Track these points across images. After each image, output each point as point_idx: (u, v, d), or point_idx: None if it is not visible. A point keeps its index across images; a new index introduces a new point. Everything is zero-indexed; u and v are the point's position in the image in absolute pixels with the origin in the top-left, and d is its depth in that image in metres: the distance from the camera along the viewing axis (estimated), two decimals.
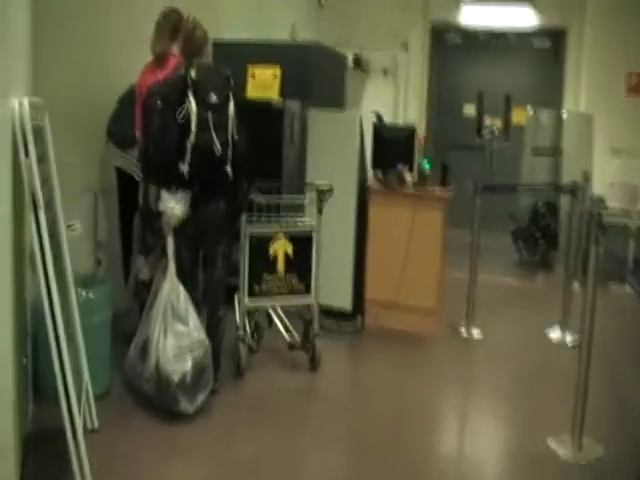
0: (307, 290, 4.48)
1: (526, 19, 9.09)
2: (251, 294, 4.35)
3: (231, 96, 3.86)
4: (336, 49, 7.95)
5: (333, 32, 9.34)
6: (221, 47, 6.10)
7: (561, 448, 3.65)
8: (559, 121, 8.19)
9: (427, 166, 5.33)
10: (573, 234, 5.59)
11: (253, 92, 5.96)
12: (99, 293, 3.86)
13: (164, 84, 3.94)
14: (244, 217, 4.25)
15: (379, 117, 6.00)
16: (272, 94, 5.87)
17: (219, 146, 3.77)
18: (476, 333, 5.48)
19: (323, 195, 4.43)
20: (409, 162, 5.34)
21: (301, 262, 4.45)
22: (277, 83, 5.94)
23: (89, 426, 3.49)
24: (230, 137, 3.84)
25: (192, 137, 3.70)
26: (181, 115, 3.69)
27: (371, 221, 5.41)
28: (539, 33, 9.26)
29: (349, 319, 5.43)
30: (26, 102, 2.78)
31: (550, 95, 9.18)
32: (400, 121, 9.25)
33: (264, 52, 6.10)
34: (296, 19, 8.45)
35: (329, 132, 5.45)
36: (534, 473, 3.51)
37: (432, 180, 5.42)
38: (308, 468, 3.49)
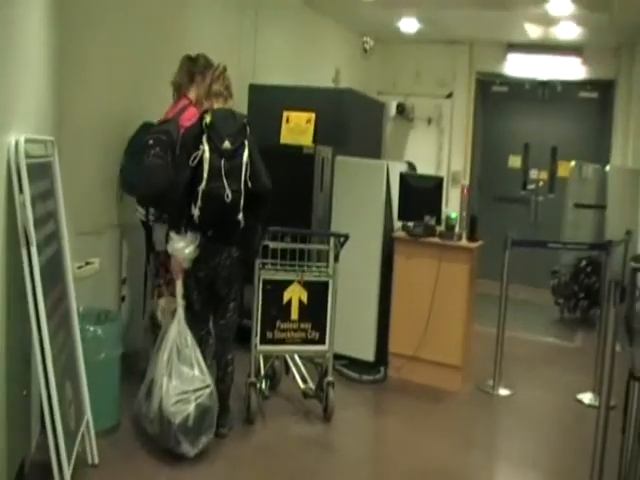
0: (321, 338, 4.42)
1: (573, 70, 8.99)
2: (264, 341, 4.31)
3: (246, 143, 3.84)
4: (374, 96, 8.04)
5: (378, 79, 9.46)
6: (259, 90, 6.28)
7: None
8: (604, 175, 8.03)
9: (454, 216, 5.25)
10: None
11: (286, 137, 6.02)
12: (109, 330, 3.88)
13: (166, 125, 4.21)
14: (258, 263, 4.23)
15: (411, 166, 5.97)
16: (305, 140, 5.90)
17: (230, 193, 3.74)
18: (503, 392, 5.30)
19: (339, 242, 4.39)
20: (436, 213, 5.27)
21: (316, 310, 4.39)
22: (311, 128, 5.98)
23: (89, 461, 3.53)
24: (243, 184, 3.82)
25: (203, 183, 3.72)
26: (194, 161, 3.74)
27: (396, 271, 5.33)
28: (587, 83, 9.12)
29: (371, 370, 5.33)
30: (22, 139, 2.83)
31: (597, 147, 9.01)
32: (444, 171, 9.20)
33: (300, 97, 6.18)
34: (340, 65, 8.55)
35: (356, 180, 5.43)
36: None
37: (462, 233, 5.34)
38: None
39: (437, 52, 9.40)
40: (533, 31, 8.22)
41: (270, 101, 6.12)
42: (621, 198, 7.45)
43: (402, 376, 5.25)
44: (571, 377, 5.77)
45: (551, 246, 6.10)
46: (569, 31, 8.02)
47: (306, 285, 4.36)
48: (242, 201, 3.81)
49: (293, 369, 4.66)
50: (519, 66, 9.23)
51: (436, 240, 5.23)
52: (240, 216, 3.82)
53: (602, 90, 9.13)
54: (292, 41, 7.47)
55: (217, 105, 3.95)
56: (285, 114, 6.05)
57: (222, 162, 3.76)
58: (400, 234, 5.37)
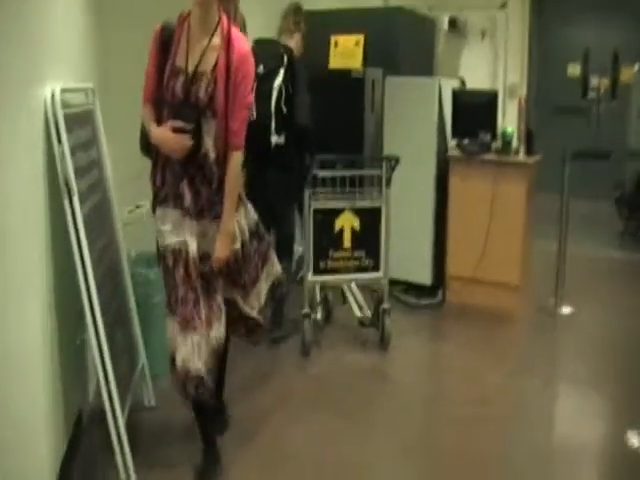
0: (376, 266, 4.23)
1: None
2: (317, 271, 4.15)
3: (281, 71, 4.02)
4: (425, 13, 7.56)
5: None
6: (306, 17, 5.93)
7: None
8: None
9: (510, 132, 4.91)
10: None
11: (335, 62, 5.73)
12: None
13: None
14: (307, 192, 4.04)
15: (462, 82, 5.61)
16: (354, 63, 5.60)
17: (254, 113, 3.75)
18: (564, 311, 5.04)
19: (389, 166, 4.14)
20: (492, 129, 4.93)
21: (369, 237, 4.19)
22: (359, 51, 5.67)
23: (146, 403, 3.50)
24: (273, 108, 3.97)
25: None
26: None
27: (452, 191, 5.06)
28: None
29: (429, 294, 5.15)
30: (58, 89, 2.66)
31: None
32: (500, 85, 8.69)
33: (349, 20, 5.86)
34: None
35: (407, 100, 5.13)
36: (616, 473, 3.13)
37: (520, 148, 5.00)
38: (370, 469, 3.12)
39: None
40: None
41: (318, 27, 5.72)
42: None
43: (460, 299, 5.04)
44: (636, 294, 5.46)
45: (615, 157, 5.70)
46: None
47: (358, 212, 4.15)
48: (273, 124, 3.98)
49: (350, 297, 4.52)
50: None
51: (492, 157, 4.92)
52: (274, 139, 3.99)
53: None
54: None
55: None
56: (333, 38, 5.74)
57: (255, 85, 3.82)
58: (454, 153, 5.07)
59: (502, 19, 8.82)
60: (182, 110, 2.69)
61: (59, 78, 2.83)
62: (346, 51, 5.75)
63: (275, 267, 3.16)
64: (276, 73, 4.03)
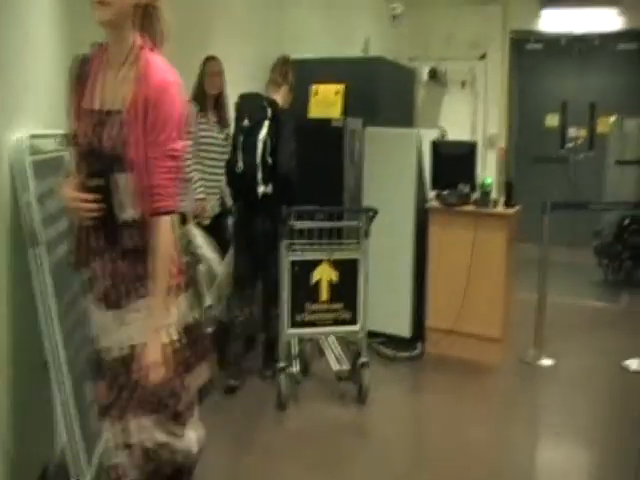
0: (354, 318, 4.14)
1: (610, 22, 8.41)
2: (293, 324, 4.05)
3: (266, 123, 4.13)
4: (405, 63, 7.62)
5: (409, 45, 8.98)
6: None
7: None
8: None
9: (489, 182, 4.88)
10: None
11: (315, 111, 5.68)
12: None
13: None
14: (284, 244, 3.97)
15: (443, 132, 5.61)
16: (334, 112, 5.56)
17: (241, 165, 4.08)
18: (545, 362, 4.96)
19: (368, 217, 4.09)
20: (471, 180, 4.91)
21: (347, 289, 4.11)
22: (340, 100, 5.63)
23: None
24: (260, 159, 4.08)
25: (228, 155, 4.25)
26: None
27: (431, 242, 5.01)
28: (624, 35, 8.53)
29: (408, 346, 5.05)
30: (25, 136, 2.60)
31: (638, 101, 8.45)
32: (479, 135, 8.75)
33: (330, 69, 5.84)
34: (370, 34, 8.12)
35: (386, 150, 5.10)
36: None
37: (499, 199, 4.99)
38: None
39: (469, 13, 8.87)
40: None
41: (299, 75, 5.78)
42: None
43: (440, 351, 4.95)
44: (616, 342, 5.41)
45: (593, 207, 5.70)
46: None
47: (336, 264, 4.08)
48: (259, 175, 4.07)
49: (327, 350, 4.42)
50: (554, 21, 8.68)
51: (471, 208, 4.89)
52: (261, 189, 4.08)
53: None
54: (320, 13, 7.08)
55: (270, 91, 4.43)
56: (314, 87, 5.72)
57: (241, 137, 4.14)
58: (434, 204, 5.03)
59: (481, 70, 8.94)
60: (89, 161, 2.14)
61: (28, 124, 2.76)
62: (326, 100, 5.73)
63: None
64: (260, 126, 4.13)
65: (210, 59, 4.55)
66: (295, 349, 4.27)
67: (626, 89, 8.67)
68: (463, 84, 9.05)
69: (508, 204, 4.92)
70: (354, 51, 7.33)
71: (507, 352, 5.00)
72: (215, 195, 4.55)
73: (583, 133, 8.54)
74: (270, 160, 4.11)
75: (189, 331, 2.25)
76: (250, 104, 4.22)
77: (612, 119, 7.41)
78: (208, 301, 4.10)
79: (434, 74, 8.69)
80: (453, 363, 4.85)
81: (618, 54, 8.74)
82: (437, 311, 4.99)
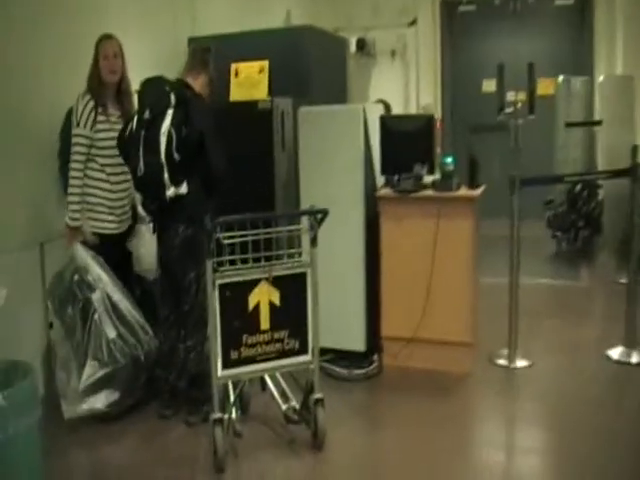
0: (303, 347, 3.25)
1: None
2: (227, 364, 3.12)
3: (169, 113, 3.33)
4: (334, 33, 6.70)
5: (333, 16, 8.02)
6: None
7: None
8: (592, 88, 6.88)
9: (450, 161, 4.05)
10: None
11: (237, 94, 4.81)
12: (15, 395, 2.65)
13: None
14: (209, 264, 3.03)
15: (387, 107, 4.74)
16: (259, 93, 4.68)
17: (143, 167, 3.32)
18: (520, 364, 4.21)
19: (315, 221, 3.19)
20: (428, 160, 4.07)
21: (292, 312, 3.20)
22: (265, 79, 4.77)
23: None
24: (164, 157, 3.30)
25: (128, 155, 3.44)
26: (126, 131, 3.45)
27: (384, 239, 4.15)
28: None
29: (363, 361, 4.19)
30: None
31: (579, 59, 7.79)
32: (413, 107, 7.92)
33: (250, 45, 4.91)
34: (290, 6, 7.16)
35: (325, 133, 4.18)
36: None
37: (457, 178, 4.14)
38: None
39: None
40: None
41: (216, 55, 4.82)
42: (615, 110, 6.28)
43: (400, 363, 4.12)
44: (590, 328, 4.81)
45: (568, 180, 4.98)
46: None
47: (276, 282, 3.17)
48: (166, 175, 3.31)
49: (271, 386, 3.49)
50: None
51: (430, 193, 4.05)
52: (170, 192, 3.33)
53: None
54: None
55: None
56: (233, 67, 4.79)
57: (142, 133, 3.36)
58: (384, 192, 4.17)
59: (412, 37, 8.09)
60: None
61: None
62: (249, 80, 4.82)
63: None
64: (163, 116, 3.32)
65: (105, 38, 3.71)
66: (231, 394, 3.32)
67: (566, 48, 7.98)
68: (393, 54, 8.18)
69: (472, 185, 4.11)
70: (276, 22, 6.42)
71: (476, 355, 4.23)
72: (120, 208, 3.78)
73: (522, 97, 7.85)
74: (177, 156, 3.31)
75: None
76: (151, 91, 3.41)
77: (560, 78, 6.70)
78: (111, 333, 3.50)
79: (362, 45, 7.79)
80: (417, 377, 4.03)
81: (555, 10, 8.01)
82: (394, 318, 4.14)
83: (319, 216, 3.17)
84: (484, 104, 7.92)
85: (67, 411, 3.44)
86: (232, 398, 3.27)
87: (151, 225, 3.60)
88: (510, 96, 7.63)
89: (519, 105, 7.49)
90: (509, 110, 7.49)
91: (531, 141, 7.45)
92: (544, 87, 7.16)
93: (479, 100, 8.15)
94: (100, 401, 3.47)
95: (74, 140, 3.60)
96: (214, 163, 3.37)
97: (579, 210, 6.48)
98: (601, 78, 6.61)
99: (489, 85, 8.01)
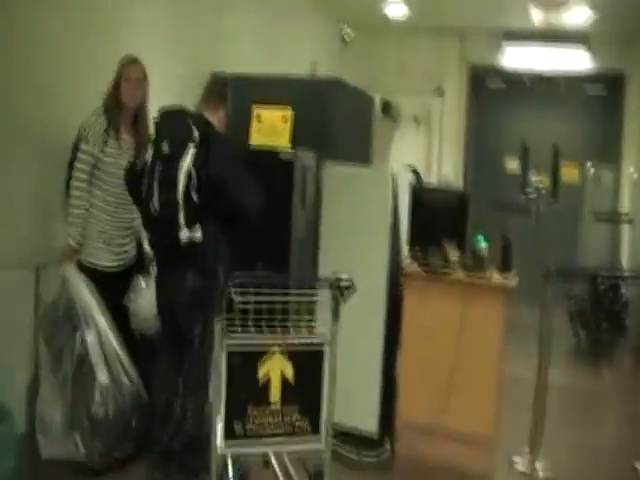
0: (314, 429, 2.84)
1: (579, 62, 7.48)
2: (229, 436, 2.72)
3: (191, 148, 3.04)
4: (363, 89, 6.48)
5: (357, 74, 7.80)
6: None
7: None
8: (619, 178, 6.67)
9: (483, 243, 3.74)
10: None
11: (257, 139, 4.51)
12: None
13: None
14: (219, 324, 2.66)
15: (417, 175, 4.44)
16: (281, 141, 4.38)
17: (157, 205, 3.06)
18: (541, 469, 3.78)
19: (341, 294, 2.82)
20: (459, 237, 3.75)
21: (305, 389, 2.81)
22: (288, 128, 4.47)
23: None
24: (181, 196, 3.02)
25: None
26: (138, 163, 3.25)
27: (407, 314, 3.81)
28: (593, 78, 7.65)
29: (375, 447, 3.79)
30: None
31: (606, 146, 7.60)
32: (434, 176, 7.65)
33: (272, 89, 4.64)
34: (315, 58, 6.96)
35: (351, 194, 3.85)
36: None
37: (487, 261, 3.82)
38: None
39: (424, 42, 7.82)
40: (537, 16, 6.70)
41: (237, 94, 4.54)
42: None
43: (414, 454, 3.72)
44: (616, 436, 4.43)
45: (604, 275, 4.66)
46: (576, 15, 6.53)
47: (292, 354, 2.79)
48: (182, 216, 3.04)
49: (274, 464, 3.08)
50: (517, 58, 7.71)
51: (460, 275, 3.72)
52: (184, 234, 3.05)
53: (611, 85, 7.67)
54: (261, 29, 5.93)
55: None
56: (255, 110, 4.51)
57: (158, 167, 3.10)
58: (412, 268, 3.83)
59: (437, 106, 7.89)
60: None
61: None
62: (271, 127, 4.54)
63: None
64: (184, 152, 3.04)
65: (131, 62, 3.51)
66: (230, 469, 2.91)
67: (593, 134, 7.80)
68: (417, 120, 7.97)
69: (504, 270, 3.78)
70: (299, 69, 6.21)
71: (496, 453, 3.81)
72: (119, 246, 3.55)
73: (544, 180, 7.63)
74: (196, 197, 3.04)
75: None
76: (171, 123, 3.15)
77: (588, 167, 6.47)
78: (103, 378, 3.27)
79: (387, 108, 7.56)
80: (430, 470, 3.64)
81: (586, 98, 7.86)
82: (412, 402, 3.76)
83: (345, 284, 2.79)
84: (507, 181, 7.72)
85: (44, 450, 3.22)
86: (230, 474, 2.84)
87: (153, 268, 3.37)
88: (533, 175, 7.47)
89: (542, 189, 7.27)
90: (532, 194, 7.24)
91: (553, 227, 7.23)
92: (569, 171, 6.92)
93: (502, 176, 7.94)
94: (81, 446, 3.20)
95: (79, 156, 3.37)
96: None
97: (601, 305, 6.13)
98: (631, 170, 6.41)
99: (512, 163, 7.79)
